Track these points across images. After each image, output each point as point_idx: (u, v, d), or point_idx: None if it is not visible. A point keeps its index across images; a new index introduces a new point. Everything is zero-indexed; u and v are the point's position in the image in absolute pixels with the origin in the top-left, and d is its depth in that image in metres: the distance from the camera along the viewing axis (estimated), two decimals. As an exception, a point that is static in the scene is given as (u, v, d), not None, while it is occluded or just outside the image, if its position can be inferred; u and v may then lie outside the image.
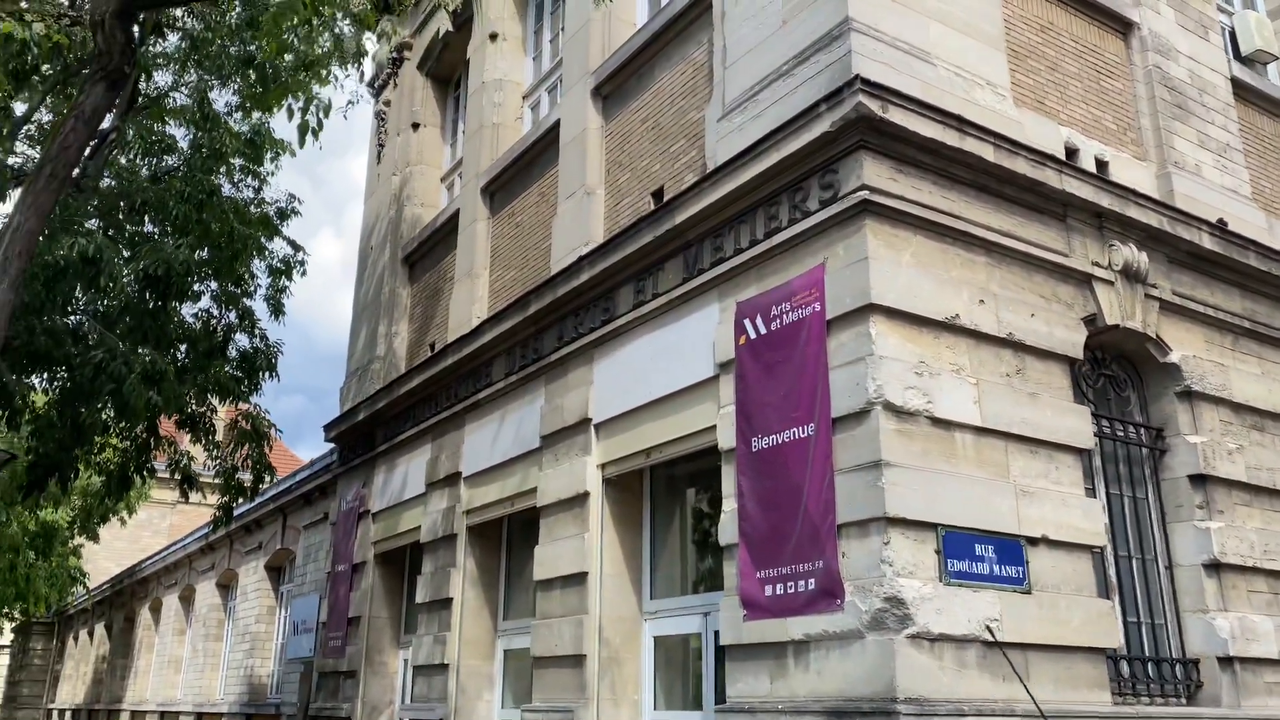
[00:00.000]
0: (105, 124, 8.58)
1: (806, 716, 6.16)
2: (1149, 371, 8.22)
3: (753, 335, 7.30)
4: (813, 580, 6.40)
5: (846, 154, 6.75)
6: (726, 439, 7.37)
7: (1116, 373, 8.08)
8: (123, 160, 10.35)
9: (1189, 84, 9.24)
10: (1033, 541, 6.65)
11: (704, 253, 8.02)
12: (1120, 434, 7.91)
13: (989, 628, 6.19)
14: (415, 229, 14.48)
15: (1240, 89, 9.84)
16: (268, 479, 12.49)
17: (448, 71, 15.18)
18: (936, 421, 6.46)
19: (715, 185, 7.71)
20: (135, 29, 7.54)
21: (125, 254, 9.58)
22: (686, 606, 8.43)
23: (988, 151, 7.04)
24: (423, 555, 11.82)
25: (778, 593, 6.64)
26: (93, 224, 9.63)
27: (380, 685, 13.07)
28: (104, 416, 9.59)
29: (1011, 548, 6.54)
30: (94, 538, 29.22)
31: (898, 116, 6.63)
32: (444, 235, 13.51)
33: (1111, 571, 7.40)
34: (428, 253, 14.07)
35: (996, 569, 6.42)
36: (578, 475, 9.12)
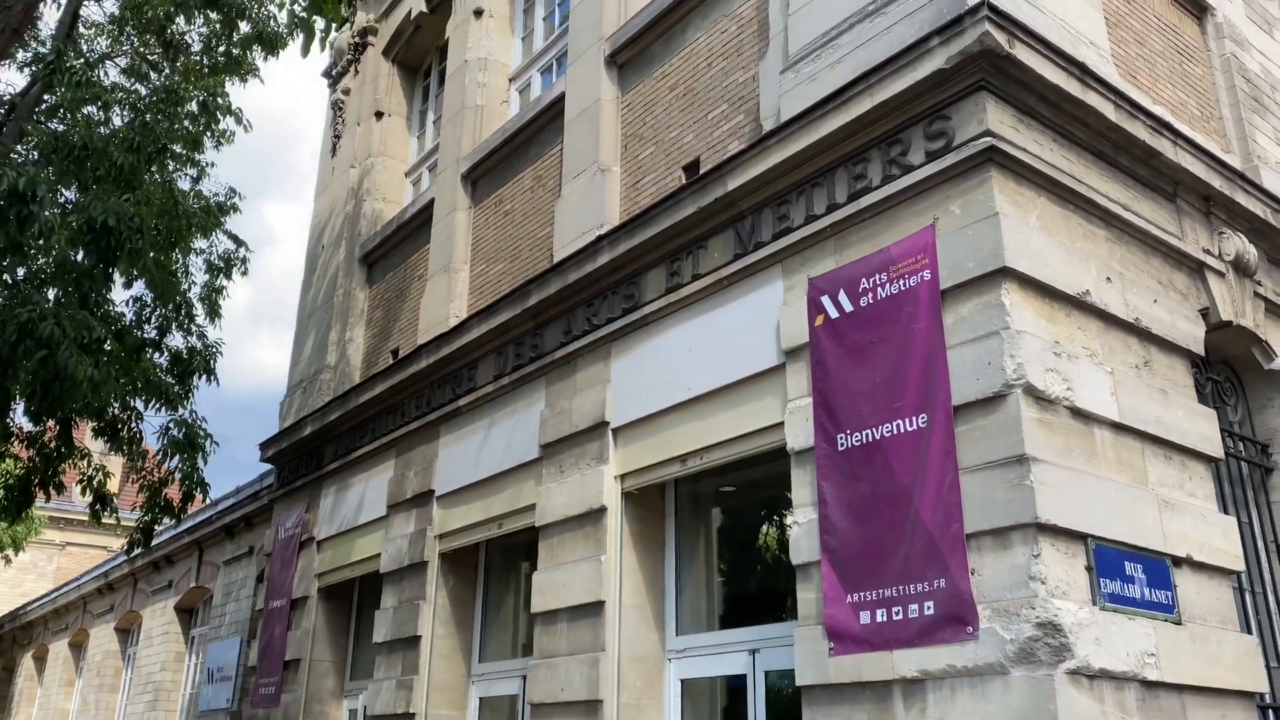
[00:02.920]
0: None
1: (932, 775, 4.91)
2: (1253, 379, 7.31)
3: (834, 315, 6.14)
4: (931, 603, 5.19)
5: (963, 96, 5.70)
6: (800, 437, 6.16)
7: (1220, 378, 7.14)
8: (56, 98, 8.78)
9: (1263, 78, 8.53)
10: (1177, 562, 5.58)
11: (763, 224, 6.86)
12: (1229, 447, 6.94)
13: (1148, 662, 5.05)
14: (376, 225, 13.06)
15: (1303, 92, 9.19)
16: (199, 497, 10.78)
17: (417, 58, 13.90)
18: (1076, 413, 5.37)
19: (782, 143, 6.59)
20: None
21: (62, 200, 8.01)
22: (725, 644, 7.12)
23: (1109, 109, 6.08)
24: (382, 587, 10.25)
25: (879, 620, 5.41)
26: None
27: (320, 740, 11.33)
28: (16, 396, 7.86)
29: (1159, 568, 5.44)
30: (-29, 576, 26.45)
31: (1023, 55, 5.62)
32: (413, 229, 12.12)
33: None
34: (392, 250, 12.64)
35: (1147, 593, 5.31)
36: (591, 488, 7.78)
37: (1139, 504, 5.48)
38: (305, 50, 8.99)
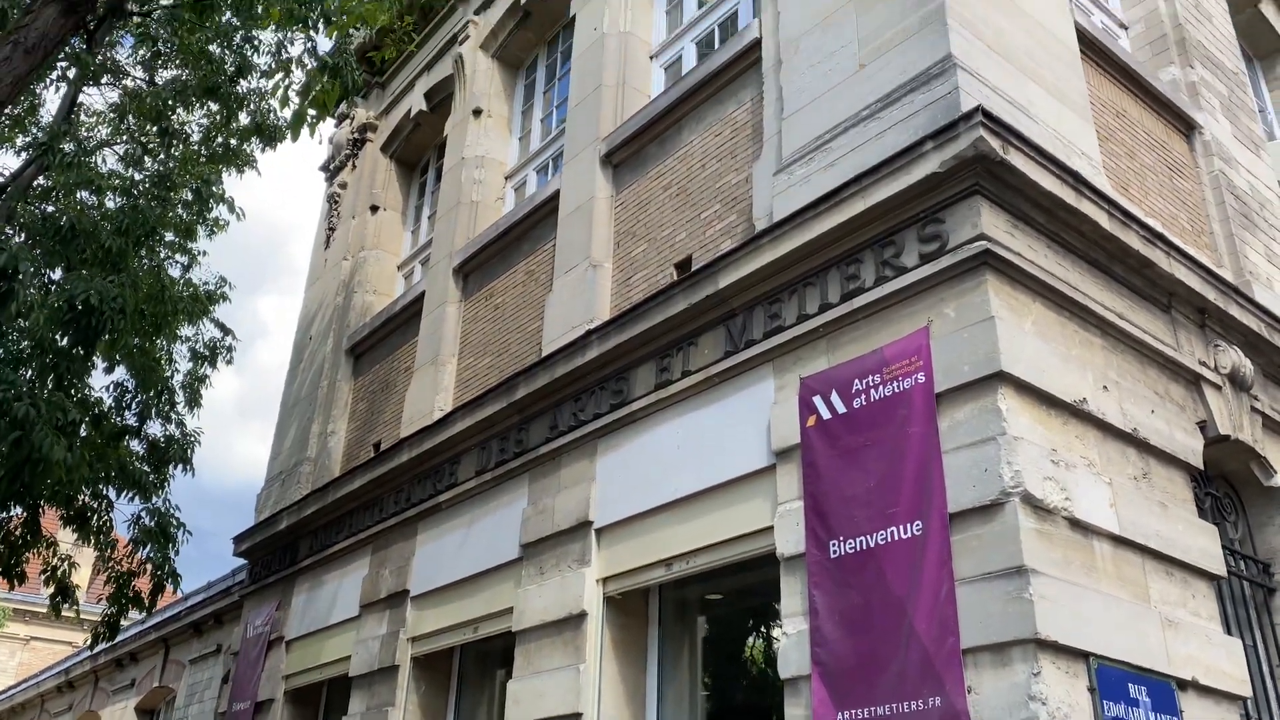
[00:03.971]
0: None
1: None
2: (1252, 496, 7.15)
3: (826, 415, 5.99)
4: (926, 723, 4.91)
5: (957, 200, 5.68)
6: (790, 543, 5.94)
7: (1219, 493, 6.97)
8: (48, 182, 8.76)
9: (1251, 196, 8.62)
10: (1182, 685, 5.32)
11: (754, 322, 6.77)
12: (1230, 566, 6.73)
13: (1157, 795, 4.76)
14: (365, 317, 12.97)
15: (1289, 211, 9.28)
16: (170, 588, 10.39)
17: (415, 154, 14.05)
18: (1075, 524, 5.19)
19: (775, 242, 6.55)
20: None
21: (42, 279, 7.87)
22: (707, 761, 6.75)
23: (1103, 218, 6.07)
24: (351, 691, 9.80)
25: (871, 740, 5.11)
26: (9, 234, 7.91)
27: None
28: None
29: (1163, 691, 5.18)
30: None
31: (1018, 161, 5.62)
32: (402, 322, 12.04)
33: (1253, 730, 6.09)
34: (379, 342, 12.52)
35: (1152, 718, 5.04)
36: (572, 592, 7.49)
37: (1142, 622, 5.26)
38: (295, 135, 9.05)
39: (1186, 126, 8.47)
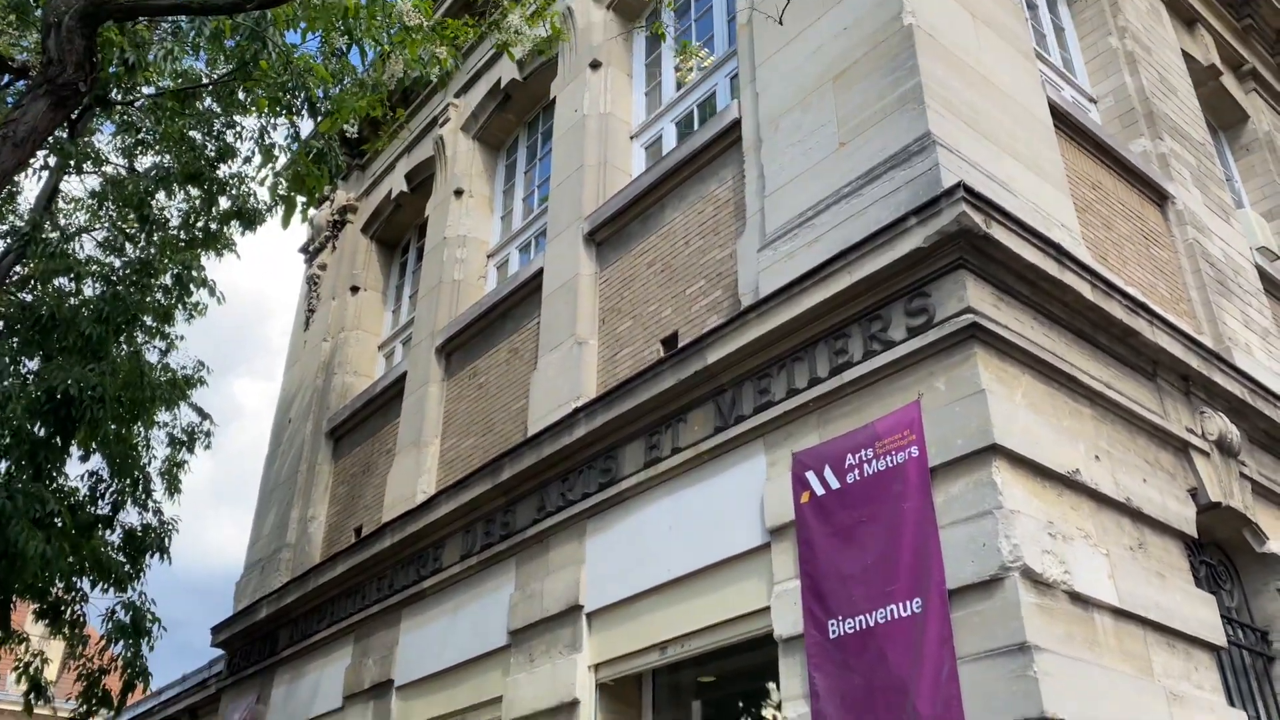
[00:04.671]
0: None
1: None
2: (1246, 563, 7.11)
3: (820, 492, 5.94)
4: (935, 810, 4.76)
5: (943, 274, 5.72)
6: (788, 624, 5.83)
7: (1214, 561, 6.94)
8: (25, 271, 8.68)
9: (1225, 263, 8.75)
10: (1193, 762, 5.21)
11: (743, 397, 6.75)
12: (1229, 635, 6.66)
13: None
14: (346, 398, 12.86)
15: (1264, 279, 9.44)
16: (140, 687, 10.06)
17: (396, 235, 14.11)
18: (1075, 598, 5.13)
19: (762, 318, 6.57)
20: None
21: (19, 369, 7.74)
22: None
23: (1085, 289, 6.13)
24: (333, 787, 9.47)
25: (878, 829, 4.95)
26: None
27: None
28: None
29: (1175, 768, 5.07)
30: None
31: (1000, 235, 5.69)
32: (384, 403, 11.94)
33: (1265, 806, 5.95)
34: (360, 424, 12.40)
35: (1165, 797, 4.92)
36: (563, 679, 7.31)
37: (1147, 697, 5.17)
38: (286, 223, 9.06)
39: (1159, 196, 8.63)
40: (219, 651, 13.51)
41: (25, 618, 12.80)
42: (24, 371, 8.22)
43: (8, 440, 7.37)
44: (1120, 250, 7.73)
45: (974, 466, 5.24)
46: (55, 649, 12.08)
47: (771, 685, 6.67)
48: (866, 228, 6.17)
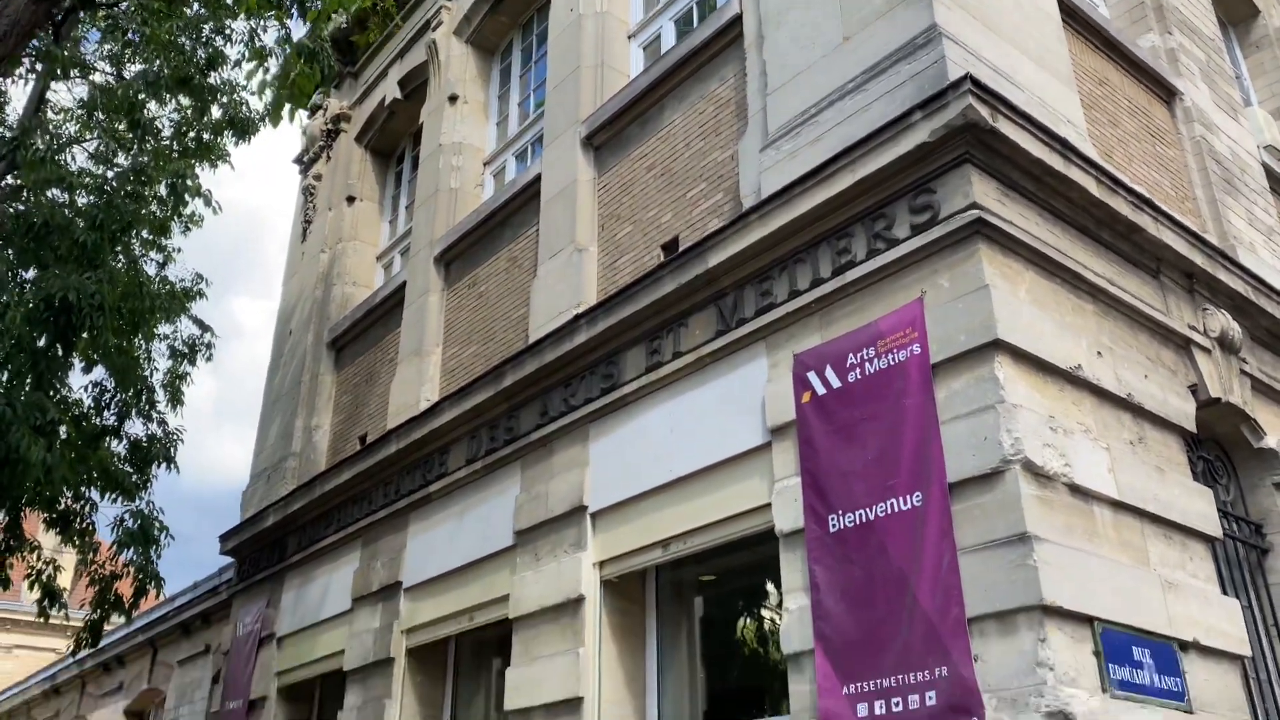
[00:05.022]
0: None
1: None
2: (1243, 458, 7.19)
3: (821, 391, 5.96)
4: (933, 693, 4.90)
5: (948, 170, 5.64)
6: (789, 519, 5.92)
7: (1211, 456, 7.01)
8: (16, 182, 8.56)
9: (1232, 161, 8.64)
10: (1184, 647, 5.34)
11: (745, 300, 6.73)
12: (1224, 528, 6.77)
13: (1164, 756, 4.78)
14: (346, 309, 12.83)
15: (1270, 177, 9.33)
16: (153, 592, 10.26)
17: (391, 144, 13.89)
18: (1075, 490, 5.19)
19: (764, 219, 6.51)
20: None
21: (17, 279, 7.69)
22: (710, 741, 6.73)
23: (1091, 184, 6.06)
24: (346, 686, 9.72)
25: (878, 712, 5.10)
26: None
27: None
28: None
29: (1166, 653, 5.20)
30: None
31: (1007, 129, 5.60)
32: (384, 313, 11.92)
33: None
34: (361, 334, 12.40)
35: (1157, 680, 5.06)
36: (568, 577, 7.45)
37: (1143, 586, 5.27)
38: (275, 121, 8.91)
39: (1167, 93, 8.48)
40: (228, 561, 13.77)
41: (37, 529, 12.98)
42: (21, 280, 8.17)
43: (8, 349, 7.36)
44: (1126, 147, 7.62)
45: (976, 362, 5.25)
46: (68, 562, 12.23)
47: (771, 586, 6.81)
48: (871, 124, 6.07)
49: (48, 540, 12.19)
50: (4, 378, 7.36)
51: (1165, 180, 7.92)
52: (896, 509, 5.33)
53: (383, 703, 9.06)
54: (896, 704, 5.02)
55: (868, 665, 5.21)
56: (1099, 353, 5.83)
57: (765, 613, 7.42)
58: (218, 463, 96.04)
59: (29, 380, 7.49)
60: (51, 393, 8.76)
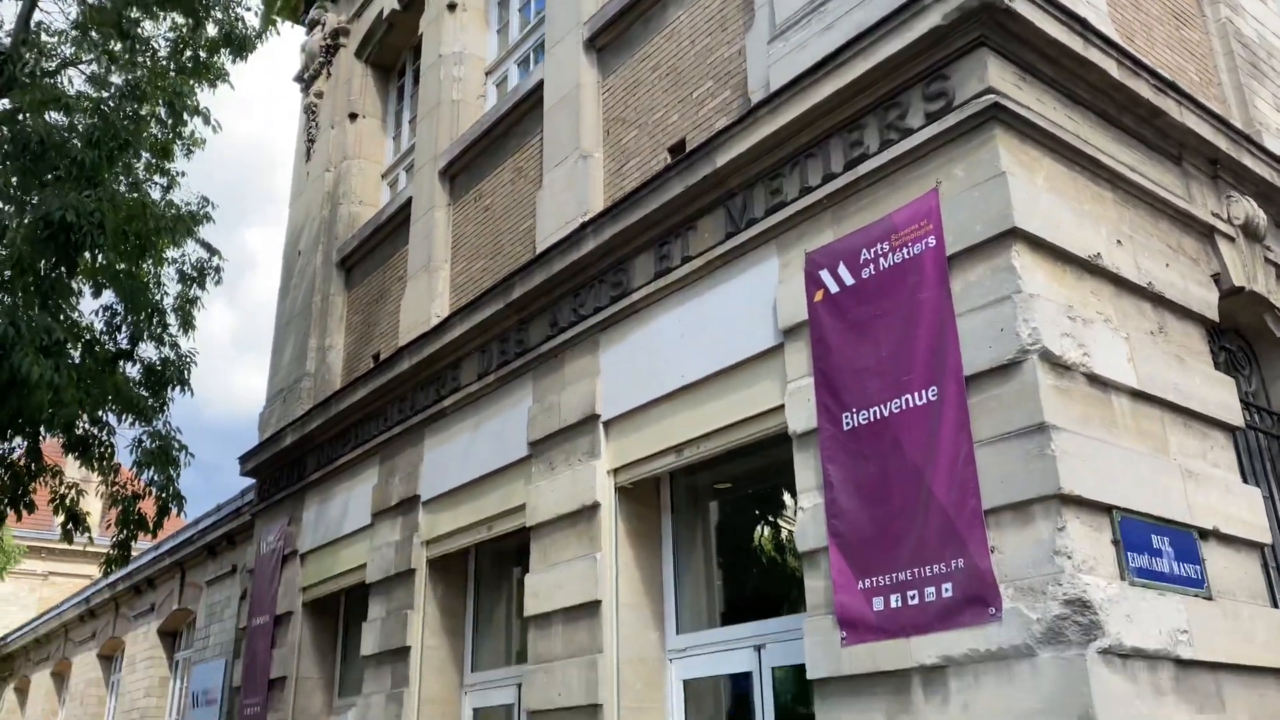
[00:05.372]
0: None
1: (958, 767, 4.59)
2: (1266, 349, 7.06)
3: (834, 289, 5.85)
4: (949, 585, 4.89)
5: (963, 54, 5.43)
6: (802, 419, 5.86)
7: (1233, 346, 6.89)
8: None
9: (1259, 45, 8.32)
10: (1204, 535, 5.30)
11: (755, 200, 6.58)
12: (1246, 419, 6.68)
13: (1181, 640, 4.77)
14: (353, 228, 12.71)
15: (1297, 59, 8.99)
16: (176, 511, 10.39)
17: (391, 57, 13.59)
18: (1094, 380, 5.09)
19: (773, 114, 6.31)
20: None
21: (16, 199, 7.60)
22: (728, 640, 6.79)
23: (1112, 67, 5.82)
24: (369, 599, 9.88)
25: (893, 606, 5.11)
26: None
27: (309, 760, 10.92)
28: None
29: (1186, 541, 5.16)
30: (-49, 608, 25.88)
31: (1023, 9, 5.36)
32: (391, 231, 11.79)
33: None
34: (370, 252, 12.30)
35: (1176, 567, 5.03)
36: (583, 484, 7.46)
37: (1162, 475, 5.21)
38: (264, 26, 8.67)
39: (1192, -27, 8.13)
40: (250, 483, 13.92)
41: (66, 463, 13.10)
42: (20, 198, 8.07)
43: (9, 270, 7.30)
44: (1149, 31, 7.33)
45: (993, 252, 5.12)
46: (91, 492, 12.36)
47: (785, 489, 6.81)
48: (882, 9, 5.83)
49: (72, 469, 12.30)
50: (8, 300, 7.30)
51: (1190, 65, 7.63)
52: (911, 404, 5.26)
53: (405, 613, 9.20)
54: (912, 596, 5.03)
55: (883, 560, 5.20)
56: (1119, 241, 5.67)
57: (780, 515, 7.44)
58: (241, 394, 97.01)
59: (34, 302, 7.44)
60: (61, 316, 8.73)
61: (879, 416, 5.40)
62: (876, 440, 5.39)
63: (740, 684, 6.83)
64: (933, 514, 5.03)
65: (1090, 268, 5.41)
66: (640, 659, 7.03)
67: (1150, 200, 6.11)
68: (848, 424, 5.55)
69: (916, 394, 5.25)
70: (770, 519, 7.54)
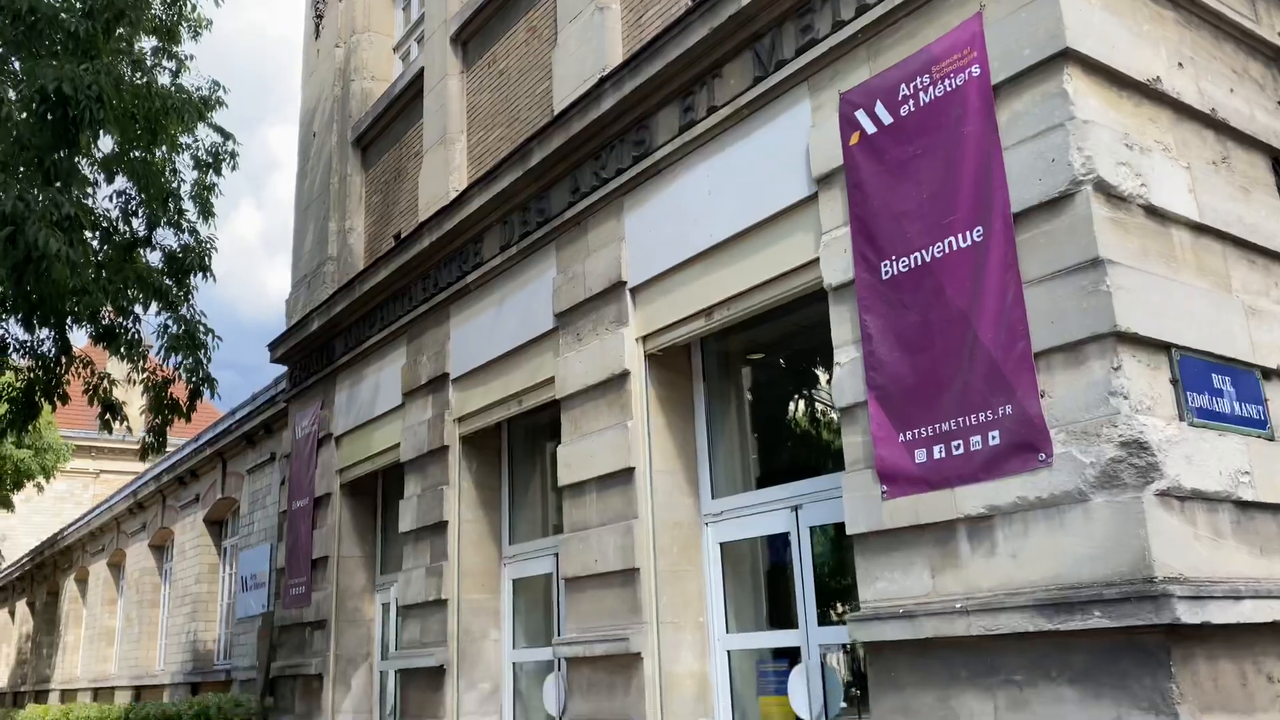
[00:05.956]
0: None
1: (1005, 615, 4.46)
2: (1331, 183, 6.62)
3: (870, 130, 5.48)
4: (996, 432, 4.68)
5: None
6: (838, 271, 5.58)
7: (1296, 183, 6.45)
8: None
9: None
10: (1267, 375, 5.02)
11: (784, 40, 6.15)
12: (1308, 257, 6.31)
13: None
14: (367, 104, 12.33)
15: None
16: (207, 395, 10.37)
17: (396, -79, 12.94)
18: (1151, 212, 4.75)
19: (801, -56, 5.84)
20: None
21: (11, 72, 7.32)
22: (765, 502, 6.68)
23: None
24: (404, 477, 9.89)
25: (936, 457, 4.91)
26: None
27: (355, 635, 11.16)
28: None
29: (1249, 381, 4.89)
30: (6, 505, 26.62)
31: None
32: (405, 104, 11.40)
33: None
34: (385, 129, 11.94)
35: (1237, 407, 4.77)
36: (612, 353, 7.27)
37: (1224, 311, 4.90)
38: None
39: None
40: (283, 371, 13.93)
41: (94, 354, 13.11)
42: (15, 72, 7.78)
43: (9, 146, 7.05)
44: None
45: (1043, 77, 4.72)
46: (124, 380, 12.34)
47: (819, 349, 6.58)
48: None
49: (108, 366, 12.30)
50: (11, 177, 7.08)
51: (1256, -125, 6.97)
52: (955, 247, 4.96)
53: (441, 489, 9.20)
54: (957, 446, 4.82)
55: (925, 411, 4.99)
56: (1179, 64, 5.23)
57: (814, 377, 7.24)
58: (274, 294, 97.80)
59: (38, 180, 7.22)
60: (72, 194, 8.51)
61: (920, 262, 5.11)
62: (917, 287, 5.11)
63: (777, 546, 6.75)
64: (978, 360, 4.78)
65: (1148, 92, 4.99)
66: (676, 523, 6.95)
67: (1213, 20, 5.62)
68: (887, 272, 5.27)
69: (960, 235, 4.94)
70: (804, 382, 7.35)
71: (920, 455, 4.99)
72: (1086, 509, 4.32)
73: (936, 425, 4.93)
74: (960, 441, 4.82)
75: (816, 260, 5.79)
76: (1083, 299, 4.43)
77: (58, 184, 7.04)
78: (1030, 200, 4.68)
